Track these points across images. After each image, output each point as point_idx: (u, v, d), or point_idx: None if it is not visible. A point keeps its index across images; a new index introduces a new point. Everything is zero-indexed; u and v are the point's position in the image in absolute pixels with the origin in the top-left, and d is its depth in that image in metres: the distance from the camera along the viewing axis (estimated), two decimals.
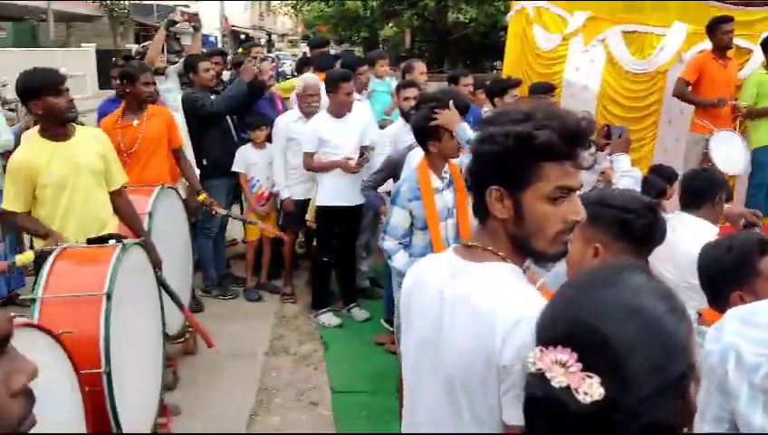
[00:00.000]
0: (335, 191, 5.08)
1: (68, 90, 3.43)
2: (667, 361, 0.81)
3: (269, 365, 4.61)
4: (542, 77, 6.53)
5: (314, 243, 5.66)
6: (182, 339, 4.52)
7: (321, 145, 5.03)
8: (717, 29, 5.73)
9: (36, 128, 3.49)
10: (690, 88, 5.84)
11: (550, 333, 0.83)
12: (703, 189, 3.15)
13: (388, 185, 4.64)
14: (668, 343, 0.82)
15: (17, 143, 5.05)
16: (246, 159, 5.56)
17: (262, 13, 53.15)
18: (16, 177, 3.29)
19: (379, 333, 5.02)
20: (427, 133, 3.47)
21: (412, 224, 3.57)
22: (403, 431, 1.58)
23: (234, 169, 5.56)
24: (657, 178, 4.41)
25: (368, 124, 5.29)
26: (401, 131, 4.86)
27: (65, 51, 25.81)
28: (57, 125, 3.37)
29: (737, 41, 5.96)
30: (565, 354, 0.79)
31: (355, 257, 5.54)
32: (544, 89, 5.53)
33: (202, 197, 4.76)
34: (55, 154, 3.32)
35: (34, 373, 0.78)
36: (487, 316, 1.28)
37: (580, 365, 0.78)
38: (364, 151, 5.12)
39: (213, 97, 5.51)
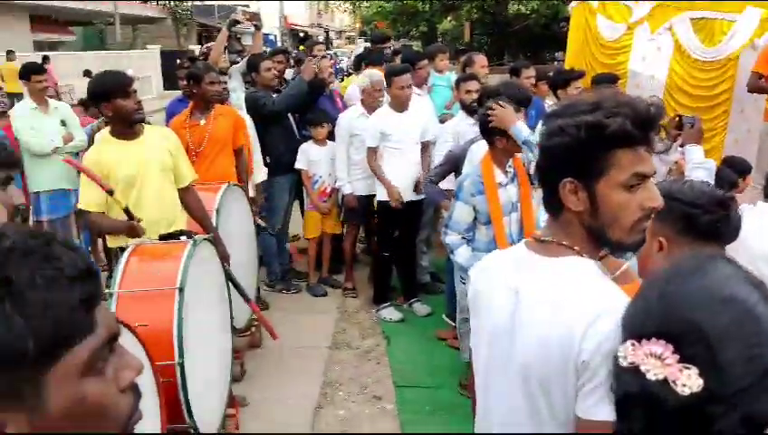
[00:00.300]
0: (395, 186, 5.09)
1: (135, 91, 3.53)
2: (764, 350, 0.78)
3: (332, 359, 4.67)
4: (605, 67, 6.38)
5: (375, 238, 5.69)
6: (248, 332, 4.62)
7: (384, 139, 5.06)
8: None
9: (107, 129, 3.61)
10: (763, 79, 5.61)
11: (640, 326, 0.82)
12: None
13: (448, 181, 4.62)
14: (764, 332, 0.79)
15: (90, 143, 5.28)
16: (308, 156, 5.64)
17: (320, 11, 53.65)
18: None
19: (440, 327, 5.02)
20: (493, 129, 3.44)
21: (475, 218, 3.55)
22: (477, 431, 1.57)
23: (296, 166, 5.64)
24: (729, 171, 4.25)
25: (429, 119, 5.29)
26: (462, 125, 4.83)
27: (131, 53, 26.66)
28: (126, 126, 3.46)
29: None
30: (660, 347, 0.78)
31: (416, 252, 5.54)
32: (608, 80, 5.40)
33: None
34: (125, 153, 3.42)
35: (141, 369, 0.80)
36: (566, 312, 1.26)
37: (677, 357, 0.77)
38: (425, 147, 5.12)
39: (275, 96, 5.59)
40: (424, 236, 5.67)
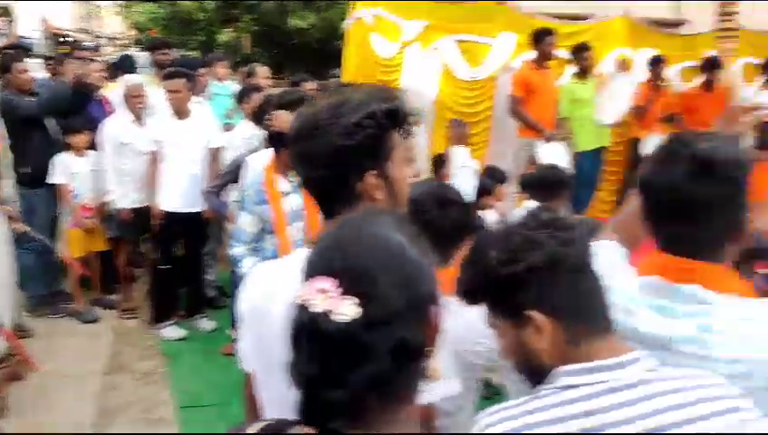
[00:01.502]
0: (175, 195, 4.89)
1: None
2: (411, 282, 0.93)
3: (109, 385, 4.31)
4: (382, 84, 6.66)
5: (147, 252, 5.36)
6: (4, 365, 4.10)
7: (158, 146, 4.87)
8: (542, 40, 6.20)
9: None
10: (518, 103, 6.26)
11: (316, 268, 0.93)
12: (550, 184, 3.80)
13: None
14: (411, 268, 0.94)
15: None
16: (67, 168, 5.15)
17: (86, 14, 49.89)
18: None
19: (227, 342, 4.85)
20: (279, 137, 3.38)
21: (263, 228, 3.49)
22: None
23: (51, 180, 5.11)
24: (488, 180, 4.83)
25: (212, 127, 5.17)
26: (250, 133, 4.74)
27: None
28: None
29: (558, 52, 6.48)
30: (327, 282, 0.88)
31: (201, 265, 5.33)
32: None
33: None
34: None
35: None
36: None
37: (340, 290, 0.87)
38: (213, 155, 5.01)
39: (32, 99, 5.11)
40: (209, 248, 5.47)
